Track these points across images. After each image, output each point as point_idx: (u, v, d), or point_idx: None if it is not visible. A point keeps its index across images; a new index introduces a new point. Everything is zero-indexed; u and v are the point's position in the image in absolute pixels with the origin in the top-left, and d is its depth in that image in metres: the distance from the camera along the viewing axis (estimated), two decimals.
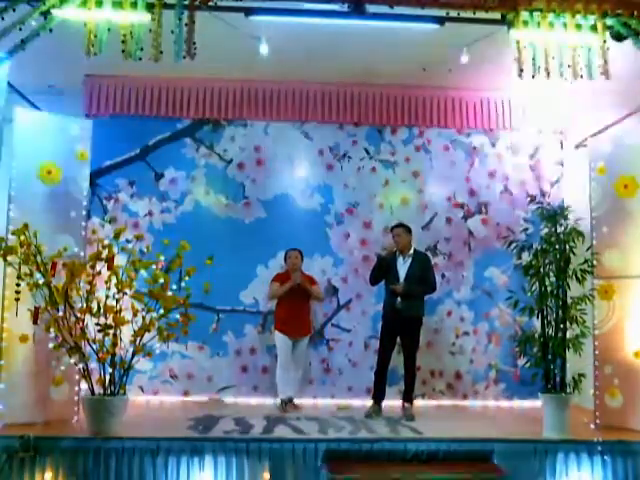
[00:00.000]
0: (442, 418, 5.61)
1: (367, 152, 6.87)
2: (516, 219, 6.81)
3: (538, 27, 4.59)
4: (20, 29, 4.35)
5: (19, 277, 4.50)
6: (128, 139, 6.65)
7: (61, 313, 4.50)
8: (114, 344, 4.48)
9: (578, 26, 4.61)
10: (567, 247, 4.97)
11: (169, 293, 4.63)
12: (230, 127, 6.79)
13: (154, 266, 4.66)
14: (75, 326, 4.52)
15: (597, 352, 5.18)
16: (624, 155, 5.25)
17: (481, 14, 4.59)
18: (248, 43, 5.29)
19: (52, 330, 4.52)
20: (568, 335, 4.90)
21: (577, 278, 4.94)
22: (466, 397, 6.64)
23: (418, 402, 6.00)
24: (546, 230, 5.10)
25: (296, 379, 5.93)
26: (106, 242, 4.64)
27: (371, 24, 4.94)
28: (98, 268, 4.58)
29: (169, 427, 4.69)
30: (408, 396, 5.60)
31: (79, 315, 4.51)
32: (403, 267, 5.65)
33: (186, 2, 4.45)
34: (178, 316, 4.71)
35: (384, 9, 4.61)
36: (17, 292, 4.51)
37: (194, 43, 4.41)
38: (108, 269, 4.56)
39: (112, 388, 4.52)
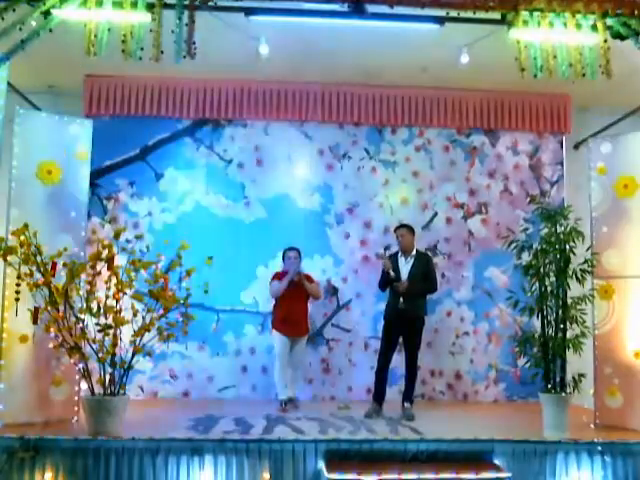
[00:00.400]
0: (442, 418, 5.61)
1: (367, 152, 6.88)
2: (516, 219, 6.81)
3: (538, 27, 4.59)
4: (20, 29, 4.35)
5: (19, 277, 4.50)
6: (128, 139, 6.65)
7: (61, 313, 4.50)
8: (114, 344, 4.48)
9: (578, 26, 4.61)
10: (567, 247, 4.96)
11: (169, 293, 4.63)
12: (230, 127, 6.79)
13: (154, 266, 4.65)
14: (75, 326, 4.51)
15: (597, 352, 5.18)
16: (624, 155, 5.24)
17: (481, 14, 4.59)
18: (248, 43, 5.30)
19: (52, 330, 4.51)
20: (568, 335, 4.89)
21: (577, 278, 4.94)
22: (466, 397, 6.65)
23: (418, 402, 5.99)
24: (546, 230, 5.10)
25: (295, 379, 5.92)
26: (106, 242, 4.63)
27: (371, 24, 4.95)
28: (98, 268, 4.57)
29: (169, 427, 4.69)
30: (408, 396, 5.60)
31: (79, 315, 4.51)
32: (405, 267, 5.65)
33: (186, 2, 4.45)
34: (178, 316, 4.71)
35: (384, 9, 4.61)
36: (17, 292, 4.50)
37: (194, 43, 4.41)
38: (108, 269, 4.56)
39: (112, 388, 4.52)
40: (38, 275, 4.49)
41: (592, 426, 5.09)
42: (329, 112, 6.73)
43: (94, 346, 4.49)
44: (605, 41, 4.60)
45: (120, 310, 4.52)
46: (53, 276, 4.52)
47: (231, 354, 6.55)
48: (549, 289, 4.95)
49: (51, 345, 4.62)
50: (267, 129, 6.82)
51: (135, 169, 6.67)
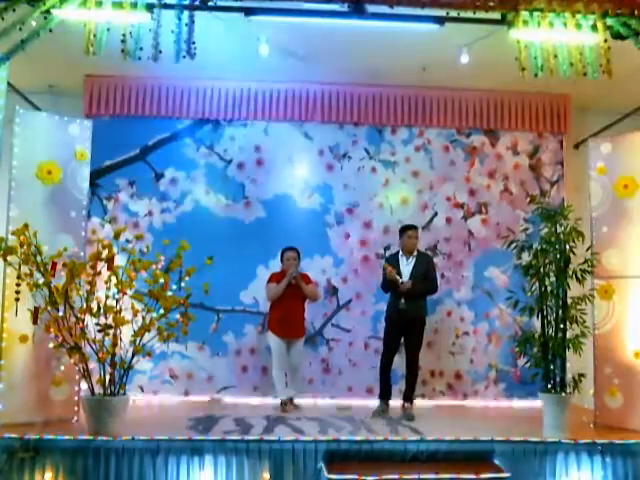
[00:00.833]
0: (442, 418, 5.61)
1: (367, 152, 6.87)
2: (516, 219, 6.82)
3: (538, 27, 4.59)
4: (20, 29, 4.35)
5: (19, 277, 4.49)
6: (128, 139, 6.65)
7: (61, 313, 4.50)
8: (114, 344, 4.48)
9: (578, 26, 4.60)
10: (567, 247, 4.96)
11: (169, 293, 4.63)
12: (230, 127, 6.79)
13: (154, 266, 4.65)
14: (75, 326, 4.51)
15: (597, 352, 5.18)
16: (624, 155, 5.25)
17: (481, 14, 4.59)
18: (248, 43, 5.30)
19: (52, 330, 4.51)
20: (568, 335, 4.90)
21: (577, 278, 4.94)
22: (466, 397, 6.65)
23: (418, 402, 5.99)
24: (546, 230, 5.10)
25: (294, 381, 5.89)
26: (106, 242, 4.63)
27: (371, 24, 4.94)
28: (98, 268, 4.57)
29: (169, 427, 4.69)
30: (409, 396, 5.60)
31: (79, 315, 4.51)
32: (407, 267, 5.65)
33: (186, 2, 4.45)
34: (178, 316, 4.70)
35: (384, 9, 4.61)
36: (17, 292, 4.50)
37: (194, 43, 4.41)
38: (108, 269, 4.55)
39: (112, 388, 4.52)
40: (38, 275, 4.49)
41: (592, 426, 5.09)
42: (329, 112, 6.73)
43: (94, 346, 4.49)
44: (605, 41, 4.60)
45: (120, 310, 4.52)
46: (53, 276, 4.52)
47: (231, 354, 6.55)
48: (549, 289, 4.95)
49: (51, 345, 4.62)
50: (267, 129, 6.82)
51: (135, 169, 6.67)
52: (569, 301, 4.92)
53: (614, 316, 5.14)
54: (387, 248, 6.62)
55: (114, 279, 4.54)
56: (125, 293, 4.56)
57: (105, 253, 4.56)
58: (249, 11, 4.72)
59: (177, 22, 4.40)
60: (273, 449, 4.31)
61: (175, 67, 4.59)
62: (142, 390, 6.37)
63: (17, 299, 4.51)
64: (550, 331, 4.91)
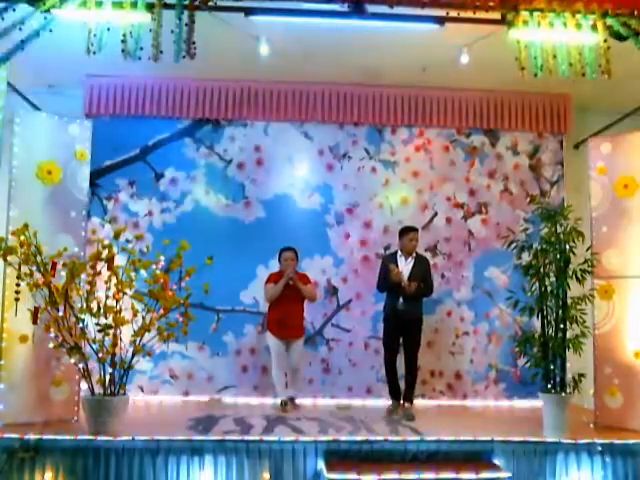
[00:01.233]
0: (442, 418, 5.61)
1: (367, 152, 6.87)
2: (516, 219, 6.82)
3: (538, 27, 4.59)
4: (20, 29, 4.35)
5: (19, 277, 4.50)
6: (128, 139, 6.65)
7: (61, 313, 4.50)
8: (114, 344, 4.48)
9: (578, 26, 4.60)
10: (567, 247, 4.96)
11: (169, 293, 4.63)
12: (230, 127, 6.79)
13: (154, 266, 4.65)
14: (75, 326, 4.51)
15: (597, 352, 5.18)
16: (624, 155, 5.24)
17: (481, 14, 4.59)
18: (248, 43, 5.30)
19: (52, 330, 4.51)
20: (568, 335, 4.90)
21: (577, 278, 4.94)
22: (466, 397, 6.65)
23: (418, 402, 5.99)
24: (546, 230, 5.10)
25: (295, 381, 5.88)
26: (106, 242, 4.63)
27: (371, 24, 4.94)
28: (98, 268, 4.57)
29: (169, 427, 4.69)
30: (408, 396, 5.61)
31: (79, 315, 4.51)
32: (406, 268, 5.65)
33: (186, 2, 4.44)
34: (178, 316, 4.71)
35: (384, 9, 4.61)
36: (17, 292, 4.50)
37: (194, 43, 4.41)
38: (108, 269, 4.55)
39: (112, 388, 4.52)
40: (38, 275, 4.49)
41: (592, 426, 5.09)
42: (329, 112, 6.73)
43: (94, 346, 4.49)
44: (605, 41, 4.60)
45: (120, 310, 4.52)
46: (53, 276, 4.52)
47: (231, 354, 6.55)
48: (549, 289, 4.95)
49: (51, 345, 4.62)
50: (267, 129, 6.82)
51: (135, 169, 6.67)
52: (569, 301, 4.92)
53: (614, 316, 5.14)
54: (387, 248, 6.62)
55: (114, 279, 4.54)
56: (125, 293, 4.56)
57: (105, 253, 4.57)
58: (249, 11, 4.72)
59: (177, 22, 4.40)
60: (273, 449, 4.32)
61: (175, 67, 4.59)
62: (142, 390, 6.38)
63: (17, 299, 4.51)
64: (550, 331, 4.91)
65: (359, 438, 4.47)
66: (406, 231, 5.79)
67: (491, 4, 4.55)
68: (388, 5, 4.56)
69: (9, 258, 4.49)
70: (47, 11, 4.40)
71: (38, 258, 4.49)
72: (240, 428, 4.79)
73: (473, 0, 4.51)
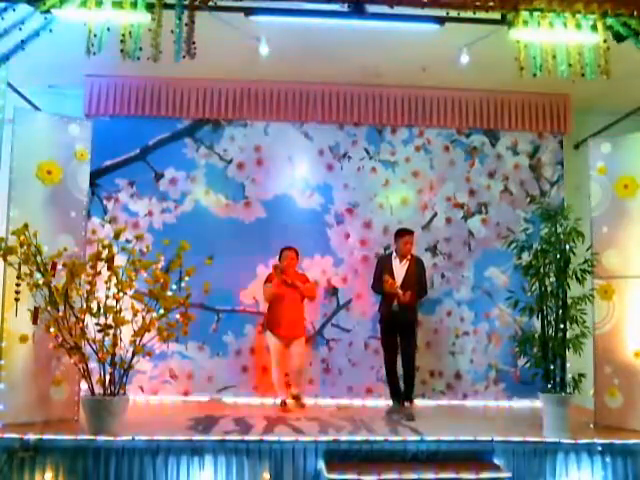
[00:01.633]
0: (442, 418, 5.61)
1: (367, 152, 6.87)
2: (516, 219, 6.81)
3: (538, 27, 4.59)
4: (20, 29, 4.35)
5: (19, 277, 4.50)
6: (128, 139, 6.65)
7: (61, 313, 4.50)
8: (114, 344, 4.48)
9: (578, 26, 4.60)
10: (567, 247, 4.96)
11: (169, 293, 4.63)
12: (230, 127, 6.79)
13: (154, 266, 4.65)
14: (75, 326, 4.51)
15: (597, 352, 5.18)
16: (624, 155, 5.24)
17: (481, 14, 4.59)
18: (248, 43, 5.30)
19: (52, 330, 4.51)
20: (568, 335, 4.90)
21: (577, 278, 4.94)
22: (466, 397, 6.64)
23: (418, 402, 5.99)
24: (546, 230, 5.10)
25: (297, 381, 5.87)
26: (106, 242, 4.63)
27: (371, 24, 4.94)
28: (98, 268, 4.57)
29: (169, 427, 4.69)
30: (408, 395, 5.62)
31: (79, 315, 4.51)
32: (401, 270, 5.69)
33: (186, 2, 4.45)
34: (178, 316, 4.70)
35: (384, 9, 4.61)
36: (17, 292, 4.50)
37: (194, 43, 4.41)
38: (108, 269, 4.55)
39: (112, 388, 4.52)
40: (38, 275, 4.49)
41: (592, 426, 5.09)
42: (329, 112, 6.73)
43: (94, 346, 4.49)
44: (605, 41, 4.60)
45: (120, 310, 4.52)
46: (53, 276, 4.51)
47: (231, 354, 6.55)
48: (549, 289, 4.95)
49: (51, 345, 4.61)
50: (267, 129, 6.82)
51: (135, 169, 6.66)
52: (569, 301, 4.92)
53: (614, 316, 5.14)
54: (387, 248, 6.61)
55: (114, 279, 4.53)
56: (125, 293, 4.56)
57: (105, 253, 4.56)
58: (249, 11, 4.72)
59: (177, 22, 4.40)
60: (273, 449, 4.32)
61: (175, 67, 4.59)
62: (142, 390, 6.37)
63: (17, 299, 4.51)
64: (550, 331, 4.91)
65: (359, 438, 4.48)
66: (401, 234, 5.82)
67: (491, 4, 4.55)
68: (388, 5, 4.56)
69: (9, 258, 4.49)
70: (47, 11, 4.40)
71: (38, 258, 4.49)
72: (240, 428, 4.79)
73: (473, 0, 4.51)
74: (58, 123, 5.17)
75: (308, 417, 5.32)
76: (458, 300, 6.78)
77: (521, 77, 4.57)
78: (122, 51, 4.37)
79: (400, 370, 5.82)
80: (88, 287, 4.53)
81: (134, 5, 4.39)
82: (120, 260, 4.66)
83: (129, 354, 4.54)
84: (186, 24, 4.41)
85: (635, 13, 4.60)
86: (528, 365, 5.00)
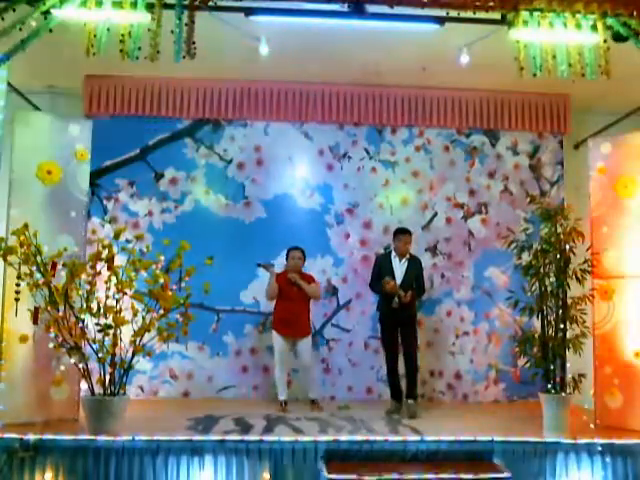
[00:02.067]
0: (442, 418, 5.61)
1: (367, 152, 6.87)
2: (516, 219, 6.81)
3: (538, 27, 4.59)
4: (20, 29, 4.34)
5: (19, 277, 4.50)
6: (128, 139, 6.64)
7: (61, 313, 4.50)
8: (114, 344, 4.48)
9: (578, 26, 4.60)
10: (567, 247, 4.96)
11: (169, 293, 4.63)
12: (230, 127, 6.79)
13: (154, 266, 4.65)
14: (75, 326, 4.51)
15: (597, 352, 5.18)
16: (624, 155, 5.25)
17: (481, 14, 4.58)
18: (248, 43, 5.30)
19: (52, 330, 4.51)
20: (568, 335, 4.90)
21: (577, 278, 4.95)
22: (466, 397, 6.65)
23: (418, 402, 5.98)
24: (546, 230, 5.10)
25: (310, 381, 5.89)
26: (106, 242, 4.63)
27: (371, 24, 4.94)
28: (98, 268, 4.57)
29: (169, 427, 4.68)
30: (411, 392, 5.61)
31: (79, 315, 4.51)
32: (400, 269, 5.70)
33: (186, 2, 4.44)
34: (178, 316, 4.71)
35: (384, 9, 4.61)
36: (17, 292, 4.51)
37: (194, 43, 4.41)
38: (108, 269, 4.55)
39: (112, 388, 4.52)
40: (38, 275, 4.49)
41: (592, 426, 5.09)
42: (329, 112, 6.73)
43: (94, 346, 4.49)
44: (605, 41, 4.60)
45: (120, 310, 4.52)
46: (53, 276, 4.52)
47: (231, 354, 6.55)
48: (549, 289, 4.95)
49: (51, 345, 4.61)
50: (267, 129, 6.82)
51: (135, 169, 6.66)
52: (569, 301, 4.93)
53: (614, 316, 5.14)
54: (387, 248, 6.60)
55: (114, 279, 4.54)
56: (125, 293, 4.56)
57: (105, 253, 4.57)
58: (249, 11, 4.72)
59: (177, 22, 4.39)
60: (273, 449, 4.31)
61: (175, 67, 4.59)
62: (142, 390, 6.37)
63: (17, 299, 4.52)
64: (550, 331, 4.91)
65: (359, 438, 4.47)
66: (398, 234, 5.83)
67: (491, 4, 4.55)
68: (388, 5, 4.56)
69: (9, 258, 4.49)
70: (47, 11, 4.39)
71: (38, 258, 4.49)
72: (240, 428, 4.79)
73: (473, 0, 4.51)
74: (58, 123, 5.17)
75: (308, 417, 5.32)
76: (458, 300, 6.78)
77: (521, 77, 4.57)
78: (122, 51, 4.36)
79: (401, 369, 5.82)
80: (88, 287, 4.54)
81: (134, 5, 4.39)
82: (120, 260, 4.66)
83: (129, 354, 4.54)
84: (186, 24, 4.41)
85: (635, 13, 4.59)
86: (528, 365, 5.01)
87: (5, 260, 4.50)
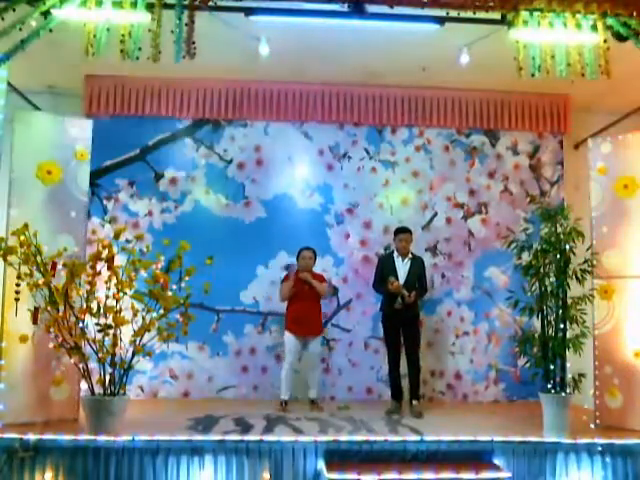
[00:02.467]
0: (442, 418, 5.61)
1: (367, 152, 6.87)
2: (516, 219, 6.82)
3: (538, 27, 4.59)
4: (20, 29, 4.35)
5: (19, 277, 4.50)
6: (128, 139, 6.64)
7: (61, 313, 4.50)
8: (114, 344, 4.48)
9: (578, 26, 4.60)
10: (567, 247, 4.96)
11: (169, 293, 4.63)
12: (230, 127, 6.79)
13: (154, 266, 4.65)
14: (75, 326, 4.51)
15: (597, 352, 5.18)
16: (624, 155, 5.24)
17: (481, 14, 4.59)
18: (248, 43, 5.30)
19: (52, 330, 4.51)
20: (568, 335, 4.90)
21: (577, 278, 4.95)
22: (466, 397, 6.65)
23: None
24: (546, 230, 5.10)
25: (314, 380, 5.88)
26: (106, 242, 4.63)
27: (371, 24, 4.94)
28: (98, 268, 4.57)
29: (169, 427, 4.68)
30: (415, 393, 5.62)
31: (79, 315, 4.51)
32: (403, 268, 5.70)
33: (186, 2, 4.45)
34: (178, 316, 4.71)
35: (384, 9, 4.61)
36: (17, 292, 4.51)
37: (194, 43, 4.41)
38: (108, 269, 4.56)
39: (112, 388, 4.52)
40: (38, 275, 4.49)
41: (592, 426, 5.08)
42: (329, 112, 6.73)
43: (94, 346, 4.49)
44: (605, 41, 4.60)
45: (120, 310, 4.52)
46: (53, 276, 4.52)
47: (231, 354, 6.55)
48: (549, 289, 4.95)
49: (51, 345, 4.62)
50: (267, 129, 6.82)
51: (135, 169, 6.66)
52: (569, 301, 4.92)
53: (614, 316, 5.13)
54: (387, 248, 6.61)
55: (114, 279, 4.54)
56: (125, 293, 4.56)
57: (105, 253, 4.57)
58: (249, 11, 4.73)
59: (177, 22, 4.40)
60: (273, 449, 4.31)
61: (175, 67, 4.59)
62: (142, 390, 6.37)
63: (17, 299, 4.52)
64: (550, 331, 4.91)
65: (359, 438, 4.47)
66: (398, 233, 5.85)
67: (491, 4, 4.55)
68: (388, 5, 4.57)
69: (9, 258, 4.49)
70: (47, 11, 4.40)
71: (38, 258, 4.49)
72: (240, 428, 4.79)
73: (473, 0, 4.51)
74: (58, 123, 5.17)
75: (308, 417, 5.32)
76: (458, 300, 6.78)
77: (520, 77, 4.57)
78: (122, 51, 4.37)
79: (403, 370, 5.82)
80: (88, 287, 4.54)
81: (134, 5, 4.39)
82: (120, 260, 4.66)
83: (129, 354, 4.54)
84: (186, 24, 4.41)
85: (635, 13, 4.59)
86: (528, 365, 5.00)
87: (5, 260, 4.50)
